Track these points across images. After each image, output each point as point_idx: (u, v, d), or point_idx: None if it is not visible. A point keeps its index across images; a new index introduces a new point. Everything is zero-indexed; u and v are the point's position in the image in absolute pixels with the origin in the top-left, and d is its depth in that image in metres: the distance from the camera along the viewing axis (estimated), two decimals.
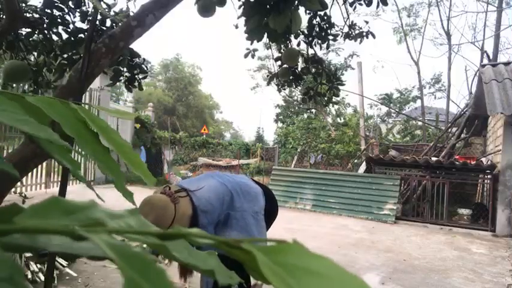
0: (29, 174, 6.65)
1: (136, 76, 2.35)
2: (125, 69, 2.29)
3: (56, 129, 0.37)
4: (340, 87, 3.29)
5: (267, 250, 0.22)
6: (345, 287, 0.21)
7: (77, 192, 7.12)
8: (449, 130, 10.04)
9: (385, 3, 2.82)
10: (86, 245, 0.25)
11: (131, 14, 2.24)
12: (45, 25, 2.10)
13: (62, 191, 1.95)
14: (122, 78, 2.31)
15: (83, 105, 0.43)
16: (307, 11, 2.81)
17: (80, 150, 0.41)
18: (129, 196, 0.44)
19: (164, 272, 0.22)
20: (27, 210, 0.26)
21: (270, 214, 2.24)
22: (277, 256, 0.22)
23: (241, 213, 2.00)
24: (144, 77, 2.45)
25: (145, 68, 2.41)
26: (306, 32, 3.10)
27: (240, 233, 1.98)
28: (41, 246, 0.25)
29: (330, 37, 3.12)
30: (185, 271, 2.03)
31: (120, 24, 2.08)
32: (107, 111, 0.54)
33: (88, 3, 2.24)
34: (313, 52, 3.20)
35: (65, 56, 2.17)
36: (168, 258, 0.25)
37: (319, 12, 2.95)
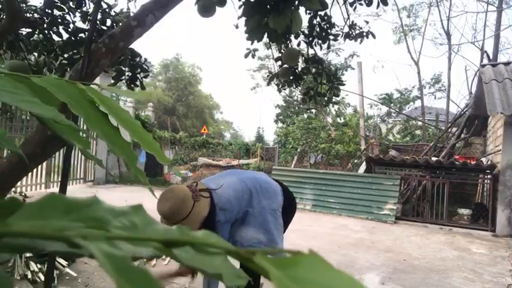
0: (29, 174, 6.65)
1: (138, 75, 2.36)
2: (127, 69, 2.30)
3: (65, 111, 0.36)
4: (340, 87, 3.30)
5: (281, 263, 0.21)
6: None
7: (77, 192, 7.12)
8: (449, 130, 10.03)
9: (385, 3, 2.83)
10: None
11: (131, 14, 2.24)
12: (45, 25, 2.10)
13: (62, 191, 1.95)
14: (123, 77, 2.32)
15: (91, 85, 0.42)
16: (308, 11, 2.81)
17: (89, 129, 0.40)
18: (140, 174, 0.43)
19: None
20: (24, 210, 0.24)
21: (288, 212, 2.26)
22: (293, 270, 0.20)
23: (259, 210, 2.03)
24: (146, 76, 2.45)
25: (147, 67, 2.41)
26: (306, 32, 3.10)
27: (258, 230, 2.01)
28: (39, 246, 0.24)
29: (330, 37, 3.12)
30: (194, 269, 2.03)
31: (120, 24, 2.09)
32: (117, 91, 0.52)
33: (88, 3, 2.24)
34: (313, 52, 3.20)
35: (66, 55, 2.18)
36: (175, 260, 0.24)
37: (319, 12, 2.95)
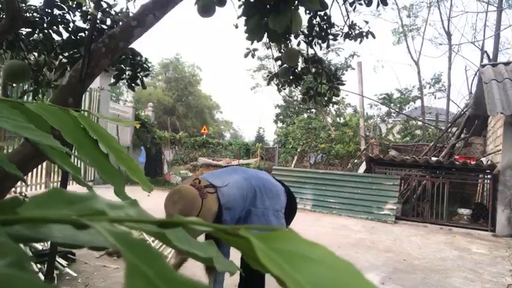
0: (29, 174, 6.65)
1: (138, 74, 2.36)
2: (128, 68, 2.30)
3: (55, 135, 0.38)
4: (340, 87, 3.30)
5: (264, 237, 0.24)
6: (336, 271, 0.22)
7: (77, 192, 7.10)
8: (449, 130, 10.04)
9: (385, 3, 2.83)
10: (88, 236, 0.26)
11: (130, 14, 2.24)
12: (45, 24, 2.10)
13: None
14: (124, 76, 2.32)
15: (82, 112, 0.43)
16: (307, 11, 2.81)
17: (80, 156, 0.42)
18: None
19: (162, 256, 0.23)
20: (30, 202, 0.26)
21: (290, 213, 2.26)
22: (274, 243, 0.23)
23: (262, 210, 2.02)
24: (147, 75, 2.46)
25: (147, 67, 2.42)
26: (306, 32, 3.10)
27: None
28: (42, 236, 0.26)
29: (330, 37, 3.12)
30: (210, 268, 2.01)
31: (120, 23, 2.09)
32: (106, 119, 0.56)
33: (88, 2, 2.24)
34: (313, 52, 3.20)
35: (66, 54, 2.18)
36: (168, 246, 0.27)
37: (319, 12, 2.95)
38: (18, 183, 5.97)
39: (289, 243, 0.24)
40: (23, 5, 2.06)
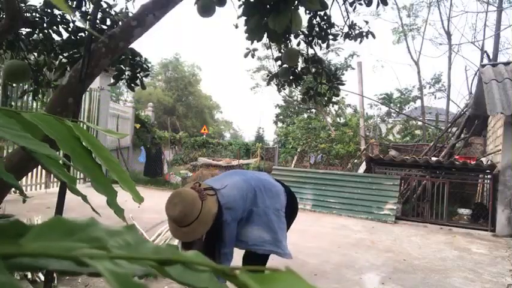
0: (29, 174, 6.66)
1: (138, 75, 2.36)
2: (127, 68, 2.30)
3: (50, 144, 0.38)
4: (340, 87, 3.30)
5: (262, 279, 0.23)
6: None
7: None
8: (449, 130, 10.04)
9: (385, 3, 2.83)
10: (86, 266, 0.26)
11: (130, 14, 2.24)
12: (45, 24, 2.10)
13: (62, 190, 1.95)
14: (124, 76, 2.32)
15: (78, 122, 0.44)
16: (307, 11, 2.81)
17: (75, 166, 0.43)
18: (120, 213, 0.46)
19: None
20: (32, 232, 0.27)
21: (291, 213, 2.29)
22: (272, 285, 0.23)
23: (263, 209, 2.06)
24: (146, 75, 2.46)
25: (147, 67, 2.42)
26: (306, 32, 3.10)
27: (262, 228, 2.05)
28: (42, 266, 0.26)
29: (330, 37, 3.12)
30: None
31: (120, 23, 2.09)
32: (101, 131, 0.57)
33: (88, 3, 2.24)
34: (313, 52, 3.20)
35: (66, 54, 2.18)
36: (166, 277, 0.27)
37: (319, 12, 2.95)
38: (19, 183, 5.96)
39: (286, 285, 0.23)
40: (23, 5, 2.06)
